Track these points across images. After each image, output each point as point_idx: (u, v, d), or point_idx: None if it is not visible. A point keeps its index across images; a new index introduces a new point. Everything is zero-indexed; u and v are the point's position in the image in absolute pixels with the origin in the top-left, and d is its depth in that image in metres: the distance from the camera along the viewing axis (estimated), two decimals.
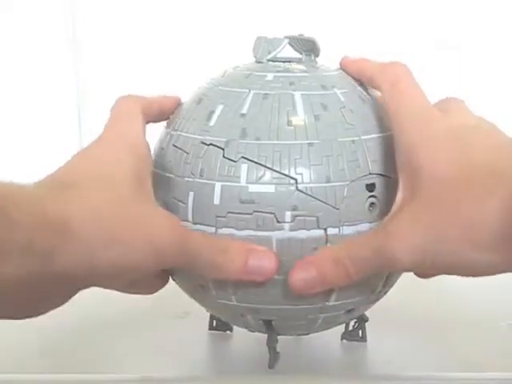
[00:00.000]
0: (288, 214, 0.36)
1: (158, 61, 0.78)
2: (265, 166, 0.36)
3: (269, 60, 0.41)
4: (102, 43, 0.81)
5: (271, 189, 0.36)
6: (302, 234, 0.36)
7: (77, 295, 0.32)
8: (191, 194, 0.37)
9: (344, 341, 0.46)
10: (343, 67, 0.42)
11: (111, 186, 0.33)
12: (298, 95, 0.38)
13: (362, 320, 0.46)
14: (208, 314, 0.47)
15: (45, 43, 0.81)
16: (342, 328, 0.46)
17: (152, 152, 0.40)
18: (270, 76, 0.40)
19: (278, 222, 0.36)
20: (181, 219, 0.37)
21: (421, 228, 0.32)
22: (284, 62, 0.41)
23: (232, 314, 0.40)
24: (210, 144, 0.37)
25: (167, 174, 0.39)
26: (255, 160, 0.37)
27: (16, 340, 0.48)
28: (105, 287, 0.33)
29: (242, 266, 0.35)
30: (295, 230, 0.36)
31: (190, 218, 0.37)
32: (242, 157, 0.37)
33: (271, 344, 0.41)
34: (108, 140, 0.36)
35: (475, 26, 0.77)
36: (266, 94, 0.38)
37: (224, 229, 0.37)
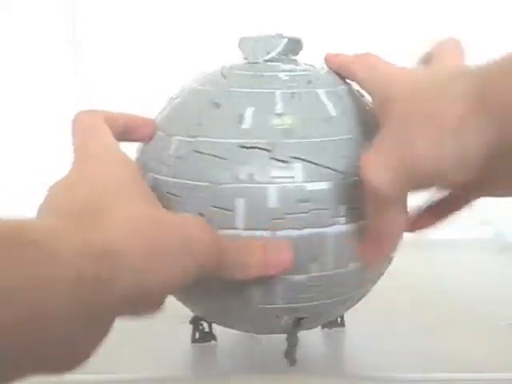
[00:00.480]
0: (342, 208, 0.37)
1: (158, 61, 0.78)
2: (316, 164, 0.37)
3: (266, 60, 0.41)
4: (102, 43, 0.81)
5: (326, 185, 0.37)
6: (354, 226, 0.37)
7: None
8: (240, 200, 0.36)
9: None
10: (329, 62, 0.42)
11: (131, 200, 0.32)
12: (321, 92, 0.39)
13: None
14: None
15: (45, 43, 0.81)
16: None
17: (152, 162, 0.39)
18: (283, 75, 0.40)
19: (333, 217, 0.37)
20: (226, 227, 0.36)
21: (387, 145, 0.33)
22: (278, 61, 0.41)
23: (266, 318, 0.40)
24: (252, 147, 0.37)
25: (197, 183, 0.37)
26: (307, 159, 0.37)
27: None
28: (149, 310, 0.32)
29: (262, 260, 0.35)
30: (349, 223, 0.37)
31: (240, 224, 0.36)
32: (293, 157, 0.37)
33: (294, 342, 0.41)
34: (91, 157, 0.35)
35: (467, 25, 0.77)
36: (293, 93, 0.39)
37: (283, 231, 0.36)
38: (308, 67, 0.41)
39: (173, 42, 0.79)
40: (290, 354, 0.41)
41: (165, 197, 0.37)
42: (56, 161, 0.82)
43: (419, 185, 0.34)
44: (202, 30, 0.78)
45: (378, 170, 0.33)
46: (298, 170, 0.36)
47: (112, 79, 0.80)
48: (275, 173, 0.36)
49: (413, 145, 0.32)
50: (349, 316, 0.50)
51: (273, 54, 0.41)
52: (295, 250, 0.36)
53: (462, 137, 0.31)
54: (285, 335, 0.41)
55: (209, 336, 0.46)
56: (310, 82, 0.40)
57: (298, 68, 0.41)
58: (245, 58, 0.42)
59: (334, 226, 0.37)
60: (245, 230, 0.36)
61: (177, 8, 0.80)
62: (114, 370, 0.44)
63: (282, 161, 0.36)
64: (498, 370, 0.42)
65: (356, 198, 0.37)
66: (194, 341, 0.47)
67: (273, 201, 0.36)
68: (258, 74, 0.40)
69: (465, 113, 0.30)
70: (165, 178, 0.38)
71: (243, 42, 0.42)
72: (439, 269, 0.62)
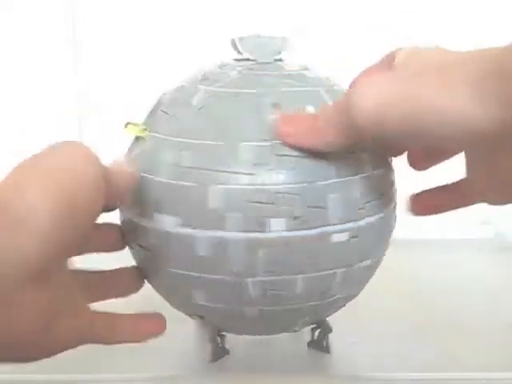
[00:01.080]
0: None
1: (158, 61, 0.78)
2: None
3: (276, 60, 0.41)
4: (102, 43, 0.81)
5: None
6: None
7: None
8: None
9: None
10: None
11: None
12: (323, 91, 0.40)
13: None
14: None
15: (45, 43, 0.81)
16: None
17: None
18: (308, 74, 0.41)
19: None
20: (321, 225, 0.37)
21: (382, 80, 0.32)
22: (280, 61, 0.42)
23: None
24: None
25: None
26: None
27: None
28: None
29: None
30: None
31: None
32: None
33: (329, 329, 0.45)
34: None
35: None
36: (332, 89, 0.40)
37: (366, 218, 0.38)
38: (299, 66, 0.42)
39: (173, 41, 0.79)
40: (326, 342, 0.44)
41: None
42: None
43: (392, 132, 0.32)
44: (201, 30, 0.78)
45: (369, 96, 0.32)
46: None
47: (112, 79, 0.80)
48: None
49: (420, 91, 0.30)
50: (348, 315, 0.50)
51: (281, 54, 0.42)
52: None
53: (474, 99, 0.29)
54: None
55: (223, 351, 0.45)
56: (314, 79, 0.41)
57: (300, 67, 0.41)
58: (247, 59, 0.42)
59: None
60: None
61: (176, 7, 0.80)
62: (114, 370, 0.44)
63: None
64: (498, 370, 0.42)
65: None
66: (213, 360, 0.44)
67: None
68: (285, 73, 0.40)
69: (484, 74, 0.29)
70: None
71: (245, 42, 0.42)
72: (439, 269, 0.61)
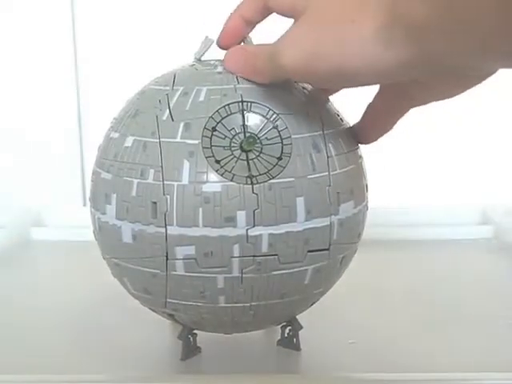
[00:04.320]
0: None
1: (158, 61, 0.78)
2: None
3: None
4: (102, 42, 0.81)
5: None
6: None
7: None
8: None
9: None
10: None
11: None
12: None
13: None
14: None
15: (45, 43, 0.81)
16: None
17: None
18: None
19: None
20: None
21: (304, 27, 0.37)
22: None
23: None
24: None
25: None
26: None
27: (16, 340, 0.48)
28: None
29: None
30: None
31: None
32: None
33: (299, 326, 0.44)
34: None
35: None
36: None
37: None
38: None
39: (173, 40, 0.79)
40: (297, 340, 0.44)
41: None
42: (56, 160, 0.83)
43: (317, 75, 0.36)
44: (201, 29, 0.78)
45: (292, 43, 0.37)
46: None
47: (112, 78, 0.80)
48: None
49: (333, 46, 0.35)
50: (348, 314, 0.50)
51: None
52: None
53: (383, 46, 0.33)
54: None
55: (196, 349, 0.45)
56: None
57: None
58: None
59: None
60: None
61: (176, 7, 0.80)
62: (113, 370, 0.44)
63: None
64: (498, 370, 0.42)
65: None
66: (184, 358, 0.44)
67: None
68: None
69: (381, 24, 0.33)
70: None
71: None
72: (439, 269, 0.61)
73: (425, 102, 0.41)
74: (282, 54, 0.37)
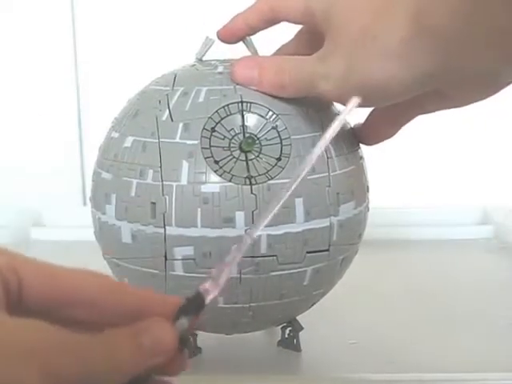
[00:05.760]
0: None
1: (158, 61, 0.78)
2: None
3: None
4: (102, 42, 0.81)
5: None
6: None
7: None
8: None
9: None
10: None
11: None
12: None
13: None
14: None
15: (45, 43, 0.81)
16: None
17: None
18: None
19: None
20: None
21: (341, 49, 0.36)
22: None
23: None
24: None
25: None
26: None
27: None
28: None
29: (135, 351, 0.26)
30: None
31: None
32: None
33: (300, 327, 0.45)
34: None
35: None
36: None
37: None
38: None
39: (173, 41, 0.79)
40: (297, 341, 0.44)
41: None
42: (56, 159, 0.83)
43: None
44: (201, 29, 0.78)
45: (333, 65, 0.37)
46: None
47: (112, 78, 0.80)
48: None
49: (362, 67, 0.35)
50: (348, 315, 0.50)
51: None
52: None
53: (407, 59, 0.33)
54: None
55: (196, 349, 0.45)
56: None
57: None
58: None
59: None
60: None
61: (176, 7, 0.80)
62: None
63: None
64: (498, 370, 0.42)
65: None
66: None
67: None
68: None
69: (404, 36, 0.33)
70: None
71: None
72: (439, 269, 0.61)
73: (434, 111, 0.41)
74: (318, 81, 0.37)
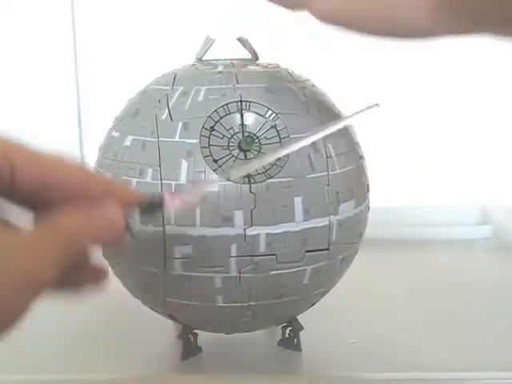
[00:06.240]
0: None
1: (158, 61, 0.78)
2: None
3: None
4: (102, 42, 0.81)
5: None
6: None
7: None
8: None
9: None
10: None
11: None
12: None
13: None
14: None
15: (45, 43, 0.81)
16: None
17: None
18: None
19: None
20: None
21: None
22: None
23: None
24: None
25: None
26: None
27: (16, 340, 0.47)
28: None
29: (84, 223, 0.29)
30: None
31: None
32: None
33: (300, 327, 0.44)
34: None
35: None
36: None
37: None
38: None
39: (173, 40, 0.79)
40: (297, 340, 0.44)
41: None
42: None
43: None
44: (201, 29, 0.78)
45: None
46: None
47: (112, 77, 0.80)
48: None
49: None
50: (349, 314, 0.50)
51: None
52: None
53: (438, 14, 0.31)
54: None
55: (196, 349, 0.45)
56: None
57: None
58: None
59: None
60: None
61: (177, 7, 0.80)
62: (100, 369, 0.44)
63: None
64: (498, 370, 0.42)
65: None
66: (184, 358, 0.45)
67: None
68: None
69: None
70: None
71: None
72: (439, 268, 0.61)
73: None
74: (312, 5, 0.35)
